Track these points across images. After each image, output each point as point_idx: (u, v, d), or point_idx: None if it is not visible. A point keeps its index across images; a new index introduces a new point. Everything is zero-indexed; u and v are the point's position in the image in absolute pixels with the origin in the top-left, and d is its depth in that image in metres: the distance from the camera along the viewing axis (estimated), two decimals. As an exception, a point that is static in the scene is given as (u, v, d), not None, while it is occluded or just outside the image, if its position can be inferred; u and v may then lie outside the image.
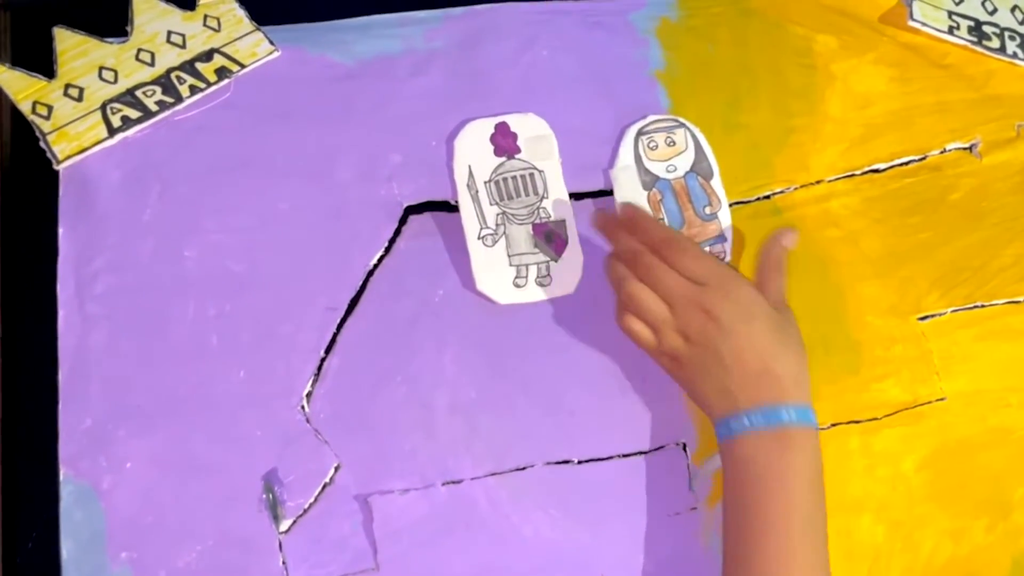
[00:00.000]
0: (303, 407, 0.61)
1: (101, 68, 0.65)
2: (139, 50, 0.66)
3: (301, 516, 0.59)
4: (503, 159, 0.67)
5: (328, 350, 0.62)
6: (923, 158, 0.74)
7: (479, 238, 0.65)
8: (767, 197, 0.71)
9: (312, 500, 0.59)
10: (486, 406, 0.63)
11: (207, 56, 0.67)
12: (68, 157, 0.63)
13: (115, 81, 0.65)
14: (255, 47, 0.68)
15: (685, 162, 0.70)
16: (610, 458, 0.63)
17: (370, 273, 0.64)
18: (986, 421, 0.68)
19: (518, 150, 0.67)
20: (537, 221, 0.66)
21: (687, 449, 0.64)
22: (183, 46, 0.67)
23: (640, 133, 0.70)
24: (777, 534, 0.52)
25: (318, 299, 0.63)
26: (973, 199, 0.74)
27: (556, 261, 0.65)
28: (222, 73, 0.66)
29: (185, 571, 0.57)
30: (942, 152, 0.75)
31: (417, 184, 0.66)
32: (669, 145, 0.70)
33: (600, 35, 0.73)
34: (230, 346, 0.61)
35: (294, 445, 0.60)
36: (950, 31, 0.77)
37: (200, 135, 0.65)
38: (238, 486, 0.59)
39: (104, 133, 0.64)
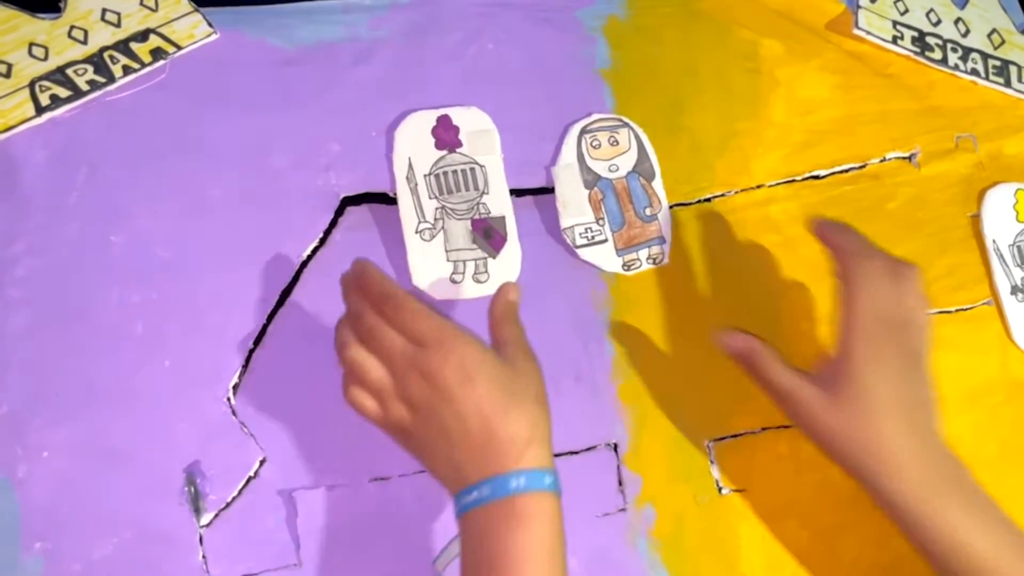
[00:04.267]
0: (229, 399, 0.60)
1: (31, 44, 0.63)
2: (72, 27, 0.64)
3: (223, 510, 0.58)
4: (444, 152, 0.66)
5: (257, 342, 0.61)
6: (863, 166, 0.75)
7: (417, 232, 0.64)
8: (708, 200, 0.71)
9: (235, 494, 0.58)
10: (417, 402, 0.62)
11: (142, 36, 0.65)
12: (-8, 135, 0.61)
13: (45, 58, 0.63)
14: (193, 28, 0.66)
15: (627, 162, 0.69)
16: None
17: (304, 264, 0.63)
18: (913, 429, 0.69)
19: (460, 144, 0.67)
20: (476, 217, 0.65)
21: (618, 450, 0.64)
22: (118, 25, 0.65)
23: (584, 131, 0.69)
24: None
25: (249, 289, 0.62)
26: (910, 209, 0.75)
27: (494, 258, 0.65)
28: (157, 54, 0.65)
29: (101, 563, 0.56)
30: (882, 161, 0.76)
31: (355, 175, 0.65)
32: (612, 144, 0.69)
33: (547, 31, 0.73)
34: (155, 335, 0.60)
35: (219, 438, 0.59)
36: (894, 41, 0.78)
37: (132, 117, 0.63)
38: (159, 478, 0.57)
39: (31, 111, 0.62)
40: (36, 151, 0.61)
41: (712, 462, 0.65)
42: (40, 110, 0.62)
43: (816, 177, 0.74)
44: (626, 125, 0.70)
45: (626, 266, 0.67)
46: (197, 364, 0.60)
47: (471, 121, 0.67)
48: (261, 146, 0.65)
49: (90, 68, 0.63)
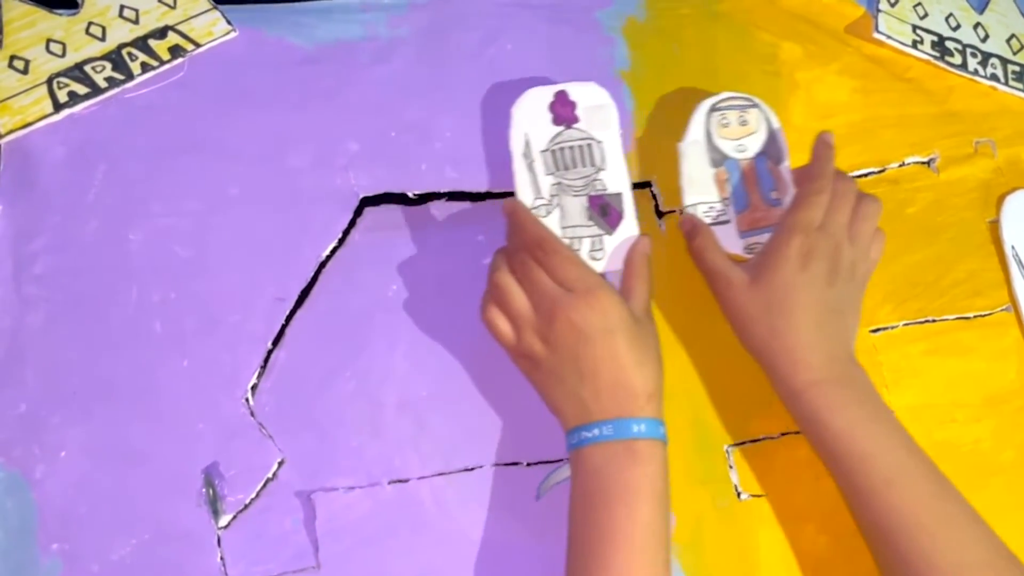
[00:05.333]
0: (247, 400, 0.59)
1: (49, 40, 0.63)
2: (90, 23, 0.64)
3: (242, 511, 0.57)
4: (561, 128, 0.64)
5: (276, 342, 0.61)
6: (882, 170, 0.75)
7: (532, 209, 0.62)
8: (727, 203, 0.71)
9: (254, 495, 0.58)
10: (436, 404, 0.62)
11: (161, 33, 0.65)
12: (10, 131, 0.60)
13: (63, 55, 0.63)
14: (211, 26, 0.66)
15: (756, 144, 0.68)
16: (560, 461, 0.62)
17: (322, 264, 0.63)
18: (932, 435, 0.68)
19: (577, 119, 0.64)
20: (593, 193, 0.63)
21: (637, 454, 0.64)
22: (136, 21, 0.65)
23: (713, 109, 0.68)
24: (619, 546, 0.52)
25: (267, 289, 0.61)
26: (929, 214, 0.74)
27: (610, 235, 0.63)
28: (176, 51, 0.64)
29: (119, 565, 0.55)
30: (901, 165, 0.75)
31: (374, 175, 0.65)
32: (741, 124, 0.68)
33: (566, 31, 0.72)
34: (174, 334, 0.59)
35: (237, 438, 0.58)
36: (914, 45, 0.77)
37: (150, 115, 0.63)
38: (177, 479, 0.57)
39: (49, 108, 0.61)
40: (54, 148, 0.61)
41: (731, 467, 0.65)
42: (58, 107, 0.61)
43: (835, 181, 0.73)
44: (756, 106, 0.68)
45: (748, 249, 0.66)
46: (215, 364, 0.59)
47: (589, 96, 0.65)
48: (279, 145, 0.64)
49: (108, 65, 0.63)
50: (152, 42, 0.64)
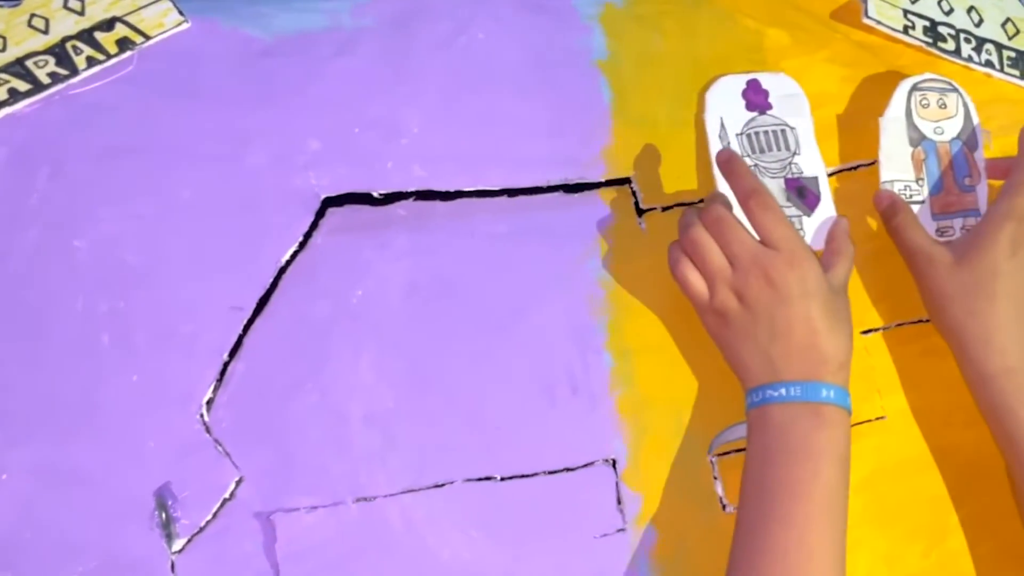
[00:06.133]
0: (203, 415, 0.56)
1: (-12, 33, 0.59)
2: (32, 15, 0.60)
3: (197, 534, 0.54)
4: (755, 114, 0.66)
5: (232, 353, 0.57)
6: (872, 163, 0.71)
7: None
8: (711, 198, 0.67)
9: (210, 517, 0.55)
10: (404, 417, 0.59)
11: (108, 25, 0.61)
12: (-55, 132, 0.57)
13: (3, 49, 0.59)
14: (162, 17, 0.62)
15: (953, 128, 0.70)
16: (535, 475, 0.59)
17: (282, 270, 0.59)
18: (928, 440, 0.66)
19: (770, 106, 0.67)
20: (789, 176, 0.65)
21: (616, 466, 0.61)
22: (81, 13, 0.61)
23: (915, 88, 0.69)
24: (801, 501, 0.53)
25: (223, 297, 0.58)
26: (922, 208, 0.71)
27: (808, 216, 0.64)
28: (124, 44, 0.61)
29: (66, 594, 0.52)
30: (893, 157, 0.72)
31: (337, 174, 0.62)
32: (941, 107, 0.70)
33: (540, 19, 0.69)
34: (123, 347, 0.56)
35: (191, 457, 0.55)
36: (905, 31, 0.74)
37: (97, 112, 0.59)
38: (127, 501, 0.54)
39: (-12, 106, 0.58)
40: (-7, 149, 0.57)
41: (716, 478, 0.62)
42: (-3, 105, 0.58)
43: (824, 174, 0.70)
44: (956, 90, 0.71)
45: (938, 232, 0.68)
46: (168, 378, 0.56)
47: (779, 85, 0.68)
48: (235, 144, 0.61)
49: (51, 59, 0.59)
50: (98, 34, 0.61)
